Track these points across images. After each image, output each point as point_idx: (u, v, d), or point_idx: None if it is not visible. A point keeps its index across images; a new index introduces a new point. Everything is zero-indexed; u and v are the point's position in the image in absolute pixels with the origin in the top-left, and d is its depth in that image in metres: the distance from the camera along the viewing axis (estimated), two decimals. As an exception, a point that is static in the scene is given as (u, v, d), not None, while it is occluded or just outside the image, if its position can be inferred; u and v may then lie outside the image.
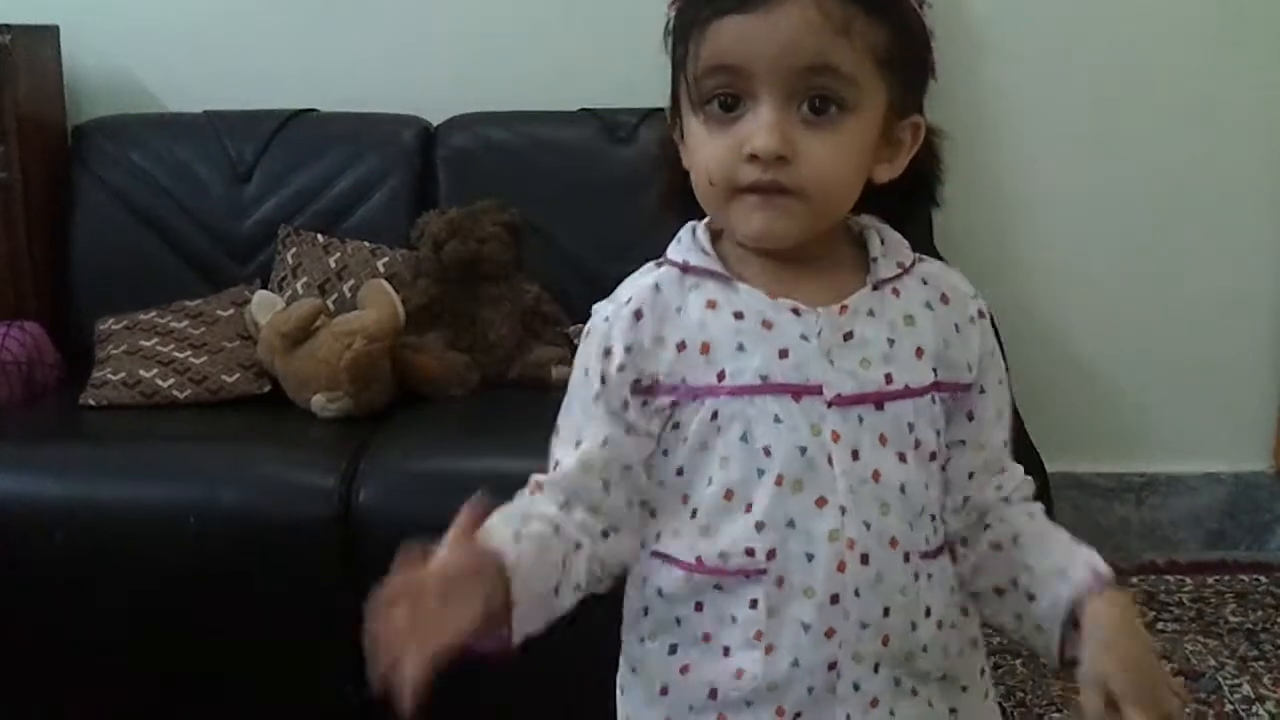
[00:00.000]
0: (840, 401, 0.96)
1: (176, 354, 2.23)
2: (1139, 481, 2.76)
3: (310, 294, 2.33)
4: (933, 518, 1.00)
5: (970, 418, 1.02)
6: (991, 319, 1.05)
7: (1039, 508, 1.05)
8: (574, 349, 2.42)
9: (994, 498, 1.03)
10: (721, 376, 0.97)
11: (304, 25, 2.65)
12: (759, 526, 0.96)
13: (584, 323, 2.57)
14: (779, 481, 0.95)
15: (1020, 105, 2.62)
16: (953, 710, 1.02)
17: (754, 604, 0.96)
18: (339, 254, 2.39)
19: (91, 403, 2.18)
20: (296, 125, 2.54)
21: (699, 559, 0.98)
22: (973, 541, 1.02)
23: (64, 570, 1.87)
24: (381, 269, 2.37)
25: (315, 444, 2.04)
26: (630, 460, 1.00)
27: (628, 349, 0.99)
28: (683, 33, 0.96)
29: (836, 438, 0.95)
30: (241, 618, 1.89)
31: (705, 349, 0.97)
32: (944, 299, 1.01)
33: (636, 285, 1.02)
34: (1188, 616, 2.47)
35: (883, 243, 1.01)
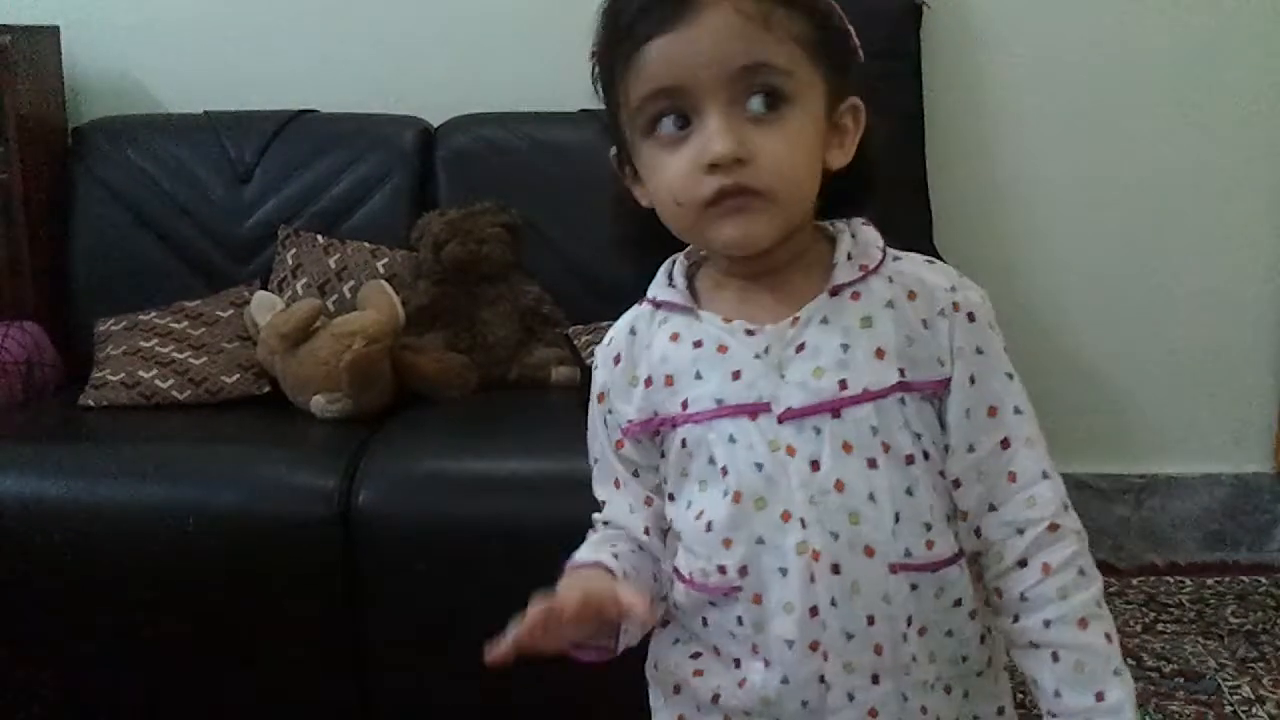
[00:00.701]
0: (790, 415, 0.96)
1: (176, 355, 2.23)
2: (1139, 483, 2.76)
3: (310, 295, 2.33)
4: (928, 526, 0.97)
5: (943, 417, 0.98)
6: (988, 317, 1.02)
7: (1069, 579, 0.97)
8: (574, 349, 2.45)
9: (1000, 533, 0.99)
10: (685, 405, 1.00)
11: (304, 26, 2.66)
12: (726, 544, 0.98)
13: (583, 324, 2.59)
14: (736, 499, 0.97)
15: (1018, 104, 2.62)
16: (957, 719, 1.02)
17: (740, 621, 0.98)
18: (339, 255, 2.39)
19: (91, 403, 2.18)
20: (297, 126, 2.54)
21: (690, 576, 1.01)
22: (997, 594, 1.00)
23: (63, 571, 1.87)
24: (381, 270, 2.37)
25: (315, 445, 2.04)
26: (644, 494, 1.06)
27: (612, 393, 1.05)
28: (609, 74, 0.97)
29: (792, 452, 0.96)
30: (241, 618, 1.89)
31: (669, 381, 1.01)
32: (910, 295, 0.99)
33: (617, 328, 1.07)
34: (1188, 618, 2.47)
35: (854, 243, 1.00)
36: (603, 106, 1.01)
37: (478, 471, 1.93)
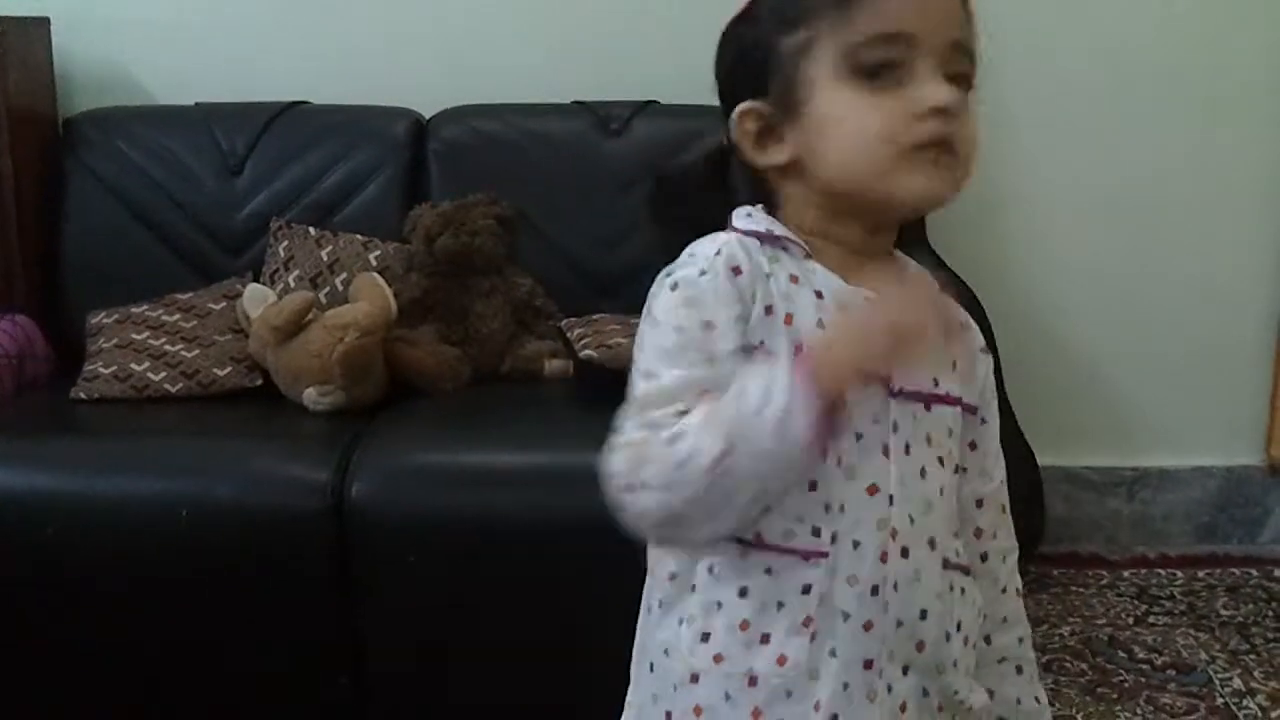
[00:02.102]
0: (903, 394, 0.97)
1: (168, 347, 2.22)
2: (1131, 475, 2.76)
3: (302, 287, 2.33)
4: (956, 535, 1.02)
5: (974, 446, 1.05)
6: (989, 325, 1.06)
7: (1025, 631, 1.11)
8: (566, 342, 2.44)
9: (996, 559, 1.08)
10: (798, 349, 0.94)
11: (296, 17, 2.65)
12: (826, 508, 0.95)
13: (577, 316, 2.59)
14: (839, 463, 0.95)
15: (1014, 101, 2.61)
16: None
17: (807, 589, 0.95)
18: (331, 247, 2.39)
19: (83, 396, 2.17)
20: (288, 118, 2.53)
21: (758, 535, 0.96)
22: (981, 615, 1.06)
23: (56, 564, 1.87)
24: (373, 262, 2.36)
25: (308, 438, 2.04)
26: None
27: (738, 299, 0.96)
28: (825, 10, 0.96)
29: (896, 428, 0.97)
30: (234, 611, 1.89)
31: (789, 320, 0.96)
32: (964, 325, 1.03)
33: (720, 243, 0.98)
34: (1179, 610, 2.48)
35: (908, 261, 1.04)
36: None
37: (470, 464, 1.93)
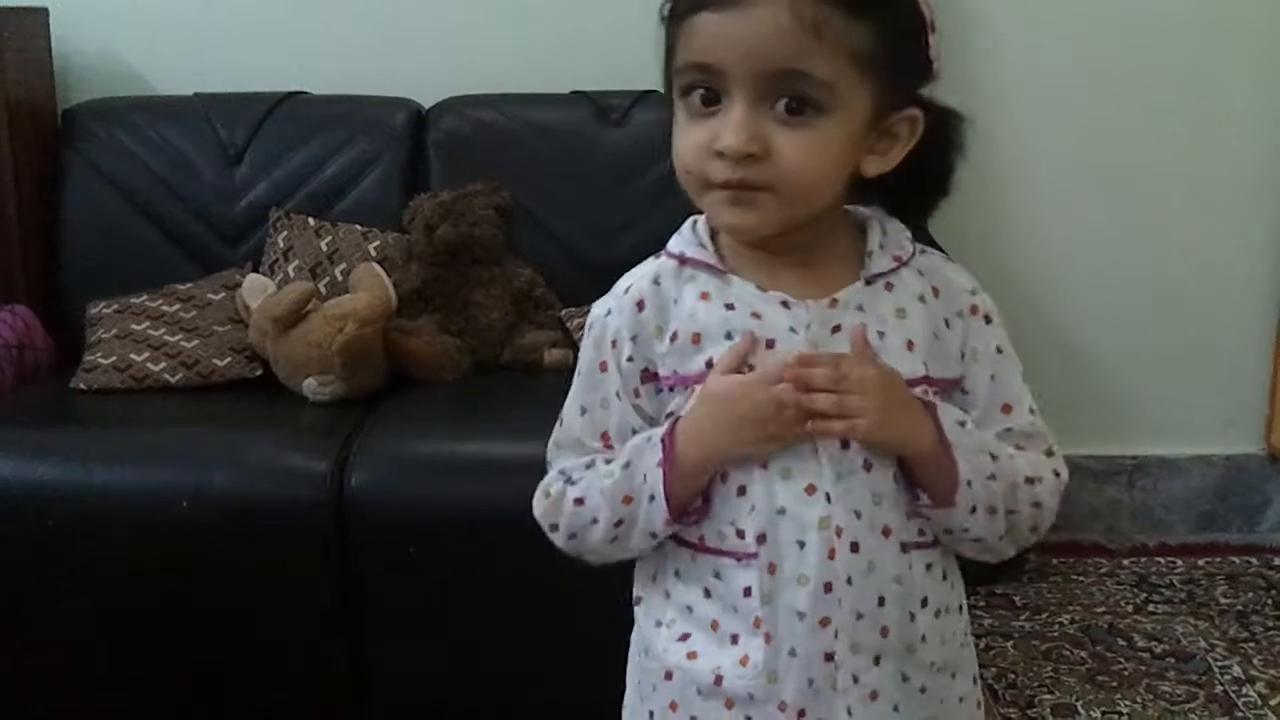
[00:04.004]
0: None
1: (168, 338, 2.22)
2: (1130, 464, 2.77)
3: (302, 277, 2.33)
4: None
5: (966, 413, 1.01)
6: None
7: (1037, 471, 1.03)
8: (566, 332, 2.44)
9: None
10: (709, 365, 0.98)
11: (294, 7, 2.64)
12: (751, 509, 0.97)
13: (576, 306, 2.59)
14: (764, 466, 0.96)
15: (1013, 90, 2.61)
16: (942, 701, 1.03)
17: (748, 591, 0.97)
18: (330, 237, 2.39)
19: (83, 387, 2.17)
20: (287, 108, 2.52)
21: (701, 538, 1.00)
22: None
23: (56, 554, 1.87)
24: (373, 252, 2.36)
25: (307, 428, 2.04)
26: None
27: (633, 338, 1.00)
28: (669, 22, 0.96)
29: None
30: (234, 601, 1.89)
31: (696, 339, 0.99)
32: (935, 292, 1.01)
33: (636, 277, 1.03)
34: (1179, 598, 2.48)
35: (884, 233, 1.01)
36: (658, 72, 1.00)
37: (470, 454, 1.93)
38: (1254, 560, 2.65)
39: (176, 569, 1.88)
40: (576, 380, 1.05)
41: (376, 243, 2.38)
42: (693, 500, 0.99)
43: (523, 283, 2.36)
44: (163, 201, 2.47)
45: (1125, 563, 2.64)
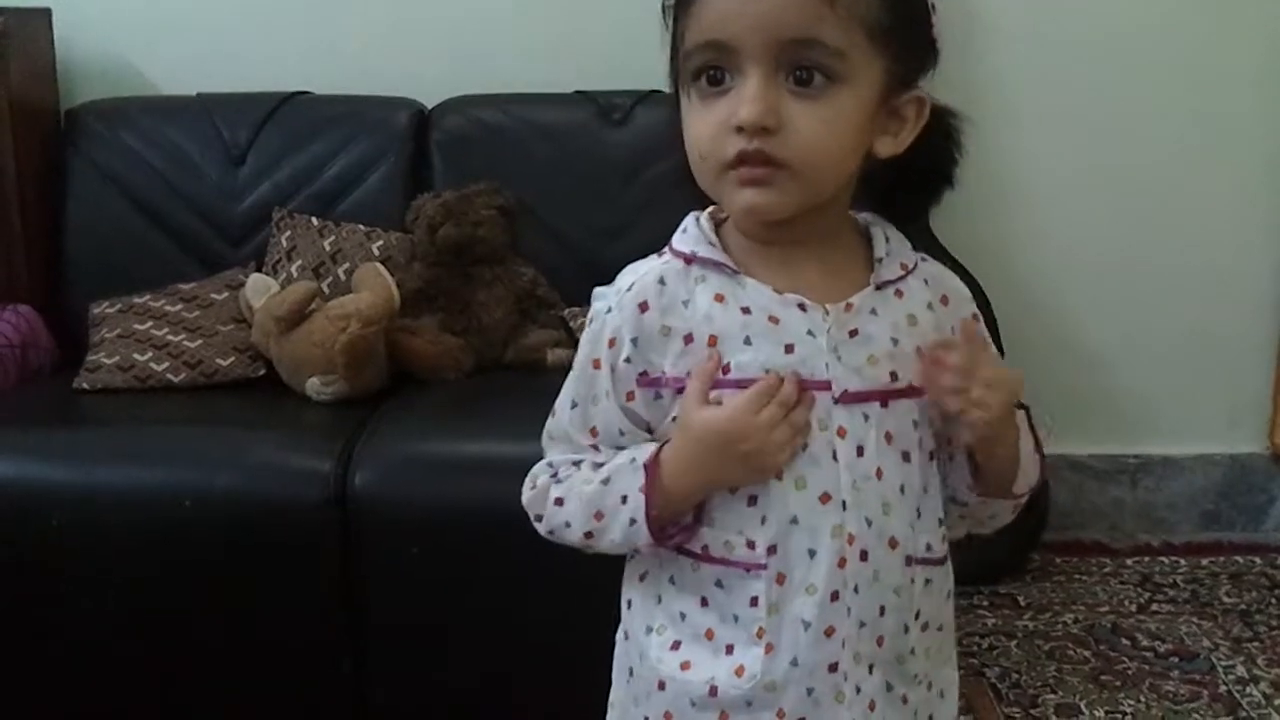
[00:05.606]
0: (847, 398, 0.96)
1: (171, 338, 2.22)
2: (1134, 463, 2.77)
3: (305, 277, 2.33)
4: (939, 522, 1.01)
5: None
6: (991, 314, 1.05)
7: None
8: (569, 331, 2.44)
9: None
10: (726, 370, 0.97)
11: (298, 7, 2.64)
12: (763, 520, 0.96)
13: (579, 305, 2.59)
14: (779, 475, 0.96)
15: (1016, 87, 2.61)
16: (915, 713, 1.03)
17: (754, 601, 0.97)
18: (333, 237, 2.39)
19: (86, 386, 2.17)
20: (290, 108, 2.53)
21: (705, 548, 0.99)
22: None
23: (60, 554, 1.87)
24: (376, 252, 2.36)
25: (310, 427, 2.04)
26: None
27: (634, 340, 0.99)
28: (675, 9, 0.96)
29: (843, 433, 0.96)
30: (237, 601, 1.89)
31: (712, 342, 0.97)
32: (944, 300, 1.02)
33: (640, 275, 1.01)
34: (1182, 598, 2.48)
35: (888, 240, 1.01)
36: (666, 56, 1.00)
37: (473, 454, 1.93)
38: (1258, 559, 2.64)
39: (179, 569, 1.88)
40: (572, 372, 1.05)
41: (379, 242, 2.38)
42: (679, 520, 0.99)
43: (525, 282, 2.36)
44: (166, 201, 2.47)
45: (1129, 562, 2.64)
